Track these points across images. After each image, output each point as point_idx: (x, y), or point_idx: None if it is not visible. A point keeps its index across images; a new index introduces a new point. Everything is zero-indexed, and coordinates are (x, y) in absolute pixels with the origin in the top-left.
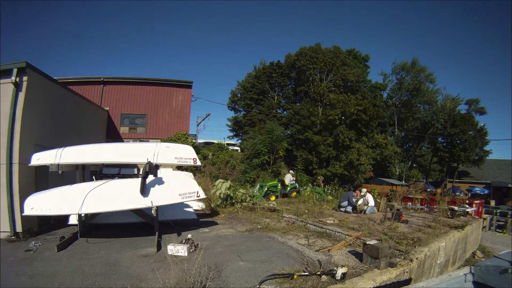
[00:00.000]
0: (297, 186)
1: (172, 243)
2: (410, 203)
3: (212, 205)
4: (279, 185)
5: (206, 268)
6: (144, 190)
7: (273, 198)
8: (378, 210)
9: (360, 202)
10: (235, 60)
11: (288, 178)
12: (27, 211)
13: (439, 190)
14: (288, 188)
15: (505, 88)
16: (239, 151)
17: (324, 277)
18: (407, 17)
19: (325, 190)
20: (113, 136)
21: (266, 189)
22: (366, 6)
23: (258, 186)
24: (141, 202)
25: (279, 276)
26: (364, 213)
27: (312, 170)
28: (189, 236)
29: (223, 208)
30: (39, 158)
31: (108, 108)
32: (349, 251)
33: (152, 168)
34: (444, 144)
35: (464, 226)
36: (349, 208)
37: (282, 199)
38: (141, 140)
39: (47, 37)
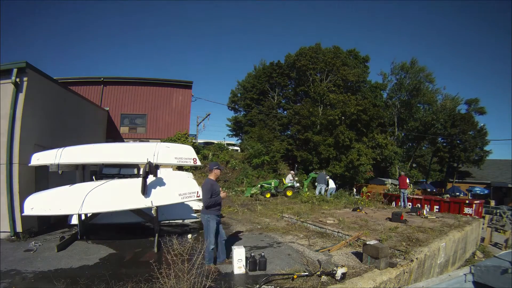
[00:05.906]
0: (295, 186)
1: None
2: (410, 204)
3: None
4: (273, 183)
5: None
6: (146, 190)
7: (268, 195)
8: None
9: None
10: (235, 60)
11: (288, 178)
12: (27, 211)
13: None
14: (284, 187)
15: (505, 88)
16: (239, 151)
17: (324, 277)
18: (406, 16)
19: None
20: (113, 136)
21: (259, 186)
22: (365, 5)
23: (258, 184)
24: (141, 202)
25: (279, 276)
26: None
27: (312, 170)
28: (189, 236)
29: (222, 208)
30: (39, 158)
31: (108, 108)
32: (349, 251)
33: (152, 168)
34: (444, 144)
35: (464, 226)
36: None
37: (282, 199)
38: (141, 140)
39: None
